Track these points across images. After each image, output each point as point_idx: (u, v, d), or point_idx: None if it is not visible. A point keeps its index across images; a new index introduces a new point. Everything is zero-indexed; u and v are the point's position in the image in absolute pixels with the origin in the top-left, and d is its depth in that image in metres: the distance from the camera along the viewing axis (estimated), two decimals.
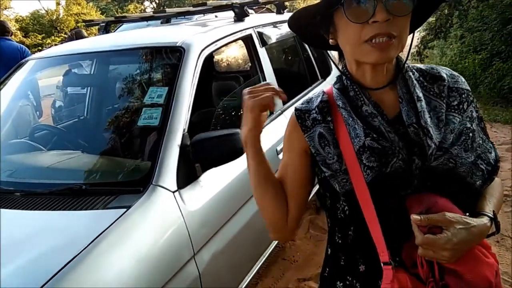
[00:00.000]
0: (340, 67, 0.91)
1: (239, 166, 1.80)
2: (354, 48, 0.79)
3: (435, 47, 9.53)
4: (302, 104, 0.93)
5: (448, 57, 8.64)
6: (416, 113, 0.82)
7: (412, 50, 9.42)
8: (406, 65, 0.87)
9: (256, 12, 5.00)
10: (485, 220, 0.79)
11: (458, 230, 0.73)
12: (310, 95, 0.98)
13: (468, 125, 0.84)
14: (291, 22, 0.89)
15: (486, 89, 6.39)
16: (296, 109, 0.92)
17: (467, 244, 0.75)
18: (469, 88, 0.90)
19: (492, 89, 6.29)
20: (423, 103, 0.83)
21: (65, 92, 3.33)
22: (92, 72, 2.59)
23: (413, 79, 0.86)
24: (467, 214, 0.79)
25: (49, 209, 1.41)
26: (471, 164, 0.82)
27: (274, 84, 2.36)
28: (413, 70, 0.88)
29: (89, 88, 2.68)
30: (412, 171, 0.80)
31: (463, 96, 0.87)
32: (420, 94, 0.84)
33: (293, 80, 2.95)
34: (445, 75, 0.89)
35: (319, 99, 0.91)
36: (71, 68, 2.82)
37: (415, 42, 9.23)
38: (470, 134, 0.84)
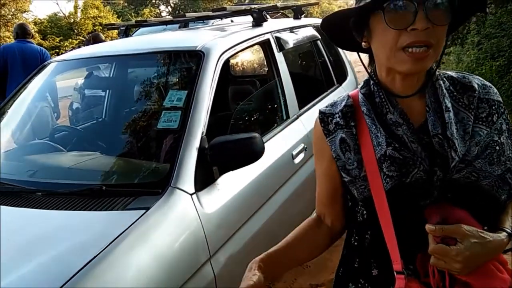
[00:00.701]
0: (369, 71, 0.90)
1: (256, 169, 1.81)
2: (389, 54, 0.78)
3: (451, 53, 9.42)
4: (326, 107, 0.93)
5: (465, 64, 8.53)
6: (443, 123, 0.81)
7: None
8: (437, 72, 0.85)
9: (271, 17, 5.04)
10: (502, 236, 0.77)
11: (472, 243, 0.72)
12: (333, 97, 0.98)
13: (496, 138, 0.82)
14: (323, 24, 0.89)
15: (503, 96, 6.27)
16: (320, 112, 0.92)
17: (481, 258, 0.74)
18: (500, 100, 0.87)
19: (510, 96, 6.17)
20: (451, 113, 0.81)
21: (83, 94, 3.39)
22: (112, 75, 2.64)
23: (443, 88, 0.84)
24: (485, 228, 0.78)
25: (69, 209, 1.44)
26: (497, 178, 0.80)
27: (291, 88, 2.35)
28: (444, 79, 0.86)
29: (108, 90, 2.73)
30: (433, 182, 0.79)
31: (493, 107, 0.85)
32: (449, 104, 0.82)
33: (310, 84, 2.96)
34: (476, 85, 0.86)
35: (343, 103, 0.90)
36: (92, 71, 2.87)
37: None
38: (497, 148, 0.82)
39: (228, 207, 1.62)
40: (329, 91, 2.96)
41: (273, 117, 2.44)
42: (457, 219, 0.75)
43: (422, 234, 0.76)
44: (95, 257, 1.19)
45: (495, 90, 0.88)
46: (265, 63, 2.57)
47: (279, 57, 2.41)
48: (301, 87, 2.57)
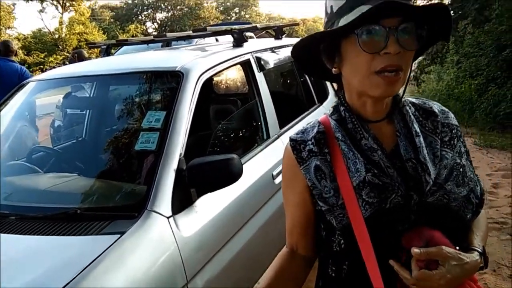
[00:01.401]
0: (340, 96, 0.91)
1: (235, 190, 1.80)
2: (363, 78, 0.79)
3: (432, 72, 9.67)
4: (297, 134, 0.92)
5: (445, 82, 8.76)
6: (414, 148, 0.83)
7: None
8: (403, 99, 0.88)
9: (256, 35, 5.09)
10: (476, 256, 0.80)
11: (453, 266, 0.75)
12: (304, 124, 0.96)
13: (458, 161, 0.86)
14: (294, 50, 0.89)
15: (482, 114, 6.45)
16: (291, 139, 0.91)
17: (460, 280, 0.77)
18: (457, 124, 0.92)
19: (488, 114, 6.35)
20: (421, 138, 0.84)
21: (65, 112, 3.36)
22: (91, 95, 2.62)
23: (411, 114, 0.87)
24: (457, 248, 0.80)
25: (43, 234, 1.40)
26: (463, 199, 0.82)
27: (271, 108, 2.35)
28: (409, 104, 0.89)
29: (88, 110, 2.70)
30: (410, 206, 0.80)
31: (453, 131, 0.89)
32: (418, 129, 0.85)
33: (291, 104, 2.98)
34: (437, 111, 0.90)
35: (315, 129, 0.89)
36: (71, 91, 2.84)
37: (412, 67, 9.36)
38: (461, 170, 0.85)
39: (206, 230, 1.60)
40: (310, 110, 2.99)
41: (253, 136, 2.44)
42: (437, 242, 0.77)
43: (401, 259, 0.77)
44: (67, 284, 1.15)
45: (452, 115, 0.92)
46: (246, 83, 2.58)
47: (260, 77, 2.43)
48: (282, 106, 2.58)
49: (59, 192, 1.74)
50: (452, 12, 7.73)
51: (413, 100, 0.92)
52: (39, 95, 2.52)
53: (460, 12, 7.46)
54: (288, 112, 2.70)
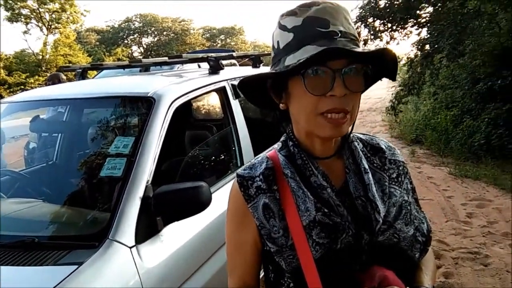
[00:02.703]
0: (287, 131, 0.88)
1: (204, 219, 1.76)
2: (309, 119, 0.77)
3: (409, 103, 9.91)
4: (244, 170, 0.88)
5: (422, 112, 8.97)
6: (363, 185, 0.82)
7: (387, 105, 9.78)
8: (351, 135, 0.87)
9: (238, 64, 5.15)
10: None
11: None
12: (252, 160, 0.93)
13: (406, 198, 0.85)
14: (240, 85, 0.87)
15: (457, 144, 6.59)
16: (238, 175, 0.87)
17: None
18: (404, 160, 0.91)
19: (463, 145, 6.49)
20: (370, 175, 0.83)
21: (40, 134, 3.28)
22: (63, 119, 2.57)
23: (359, 150, 0.86)
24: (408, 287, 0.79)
25: None
26: (412, 238, 0.82)
27: (246, 135, 2.31)
28: (357, 140, 0.89)
29: (59, 134, 2.64)
30: (361, 246, 0.79)
31: (400, 168, 0.88)
32: (366, 166, 0.84)
33: (266, 131, 2.97)
34: (384, 147, 0.90)
35: (263, 165, 0.86)
36: (40, 114, 2.79)
37: (390, 97, 9.59)
38: (409, 207, 0.84)
39: (171, 261, 1.55)
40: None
41: (227, 163, 2.42)
42: (390, 282, 0.75)
43: None
44: None
45: (399, 152, 0.92)
46: (221, 110, 2.58)
47: (235, 104, 2.44)
48: (257, 133, 2.58)
49: (18, 219, 1.66)
50: (427, 46, 8.04)
51: (361, 136, 0.92)
52: (14, 114, 2.46)
53: (435, 46, 7.74)
54: (263, 139, 2.69)
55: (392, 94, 9.54)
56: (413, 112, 9.49)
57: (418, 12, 8.32)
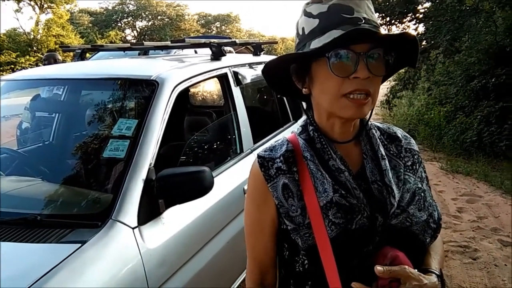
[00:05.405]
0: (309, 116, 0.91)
1: (205, 203, 1.78)
2: (332, 100, 0.80)
3: (403, 97, 9.97)
4: (265, 151, 0.90)
5: (416, 107, 9.04)
6: (380, 170, 0.85)
7: (381, 99, 9.83)
8: (369, 122, 0.90)
9: (235, 51, 5.13)
10: (434, 279, 0.81)
11: (413, 286, 0.75)
12: (272, 142, 0.96)
13: (420, 185, 0.88)
14: (265, 69, 0.89)
15: (450, 140, 6.67)
16: (259, 156, 0.89)
17: None
18: (418, 150, 0.95)
19: (456, 141, 6.57)
20: (387, 161, 0.86)
21: (33, 114, 3.25)
22: (62, 99, 2.55)
23: (377, 137, 0.89)
24: (416, 270, 0.81)
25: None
26: (424, 223, 0.84)
27: (246, 122, 2.32)
28: (375, 128, 0.92)
29: (57, 114, 2.62)
30: (375, 228, 0.81)
31: (415, 157, 0.92)
32: (384, 152, 0.87)
33: (266, 119, 2.99)
34: (400, 136, 0.93)
35: (284, 147, 0.89)
36: (40, 93, 2.76)
37: (385, 91, 9.65)
38: (422, 194, 0.87)
39: (172, 242, 1.56)
40: (284, 126, 3.02)
41: (227, 150, 2.43)
42: (400, 262, 0.77)
43: (365, 280, 0.77)
44: None
45: (413, 141, 0.96)
46: (222, 96, 2.58)
47: (236, 91, 2.44)
48: (257, 121, 2.59)
49: (19, 197, 1.66)
50: (424, 41, 8.05)
51: (378, 124, 0.95)
52: (7, 95, 2.43)
53: (432, 42, 7.77)
54: (263, 127, 2.71)
55: (387, 88, 9.60)
56: (407, 107, 9.57)
57: (416, 7, 8.32)
